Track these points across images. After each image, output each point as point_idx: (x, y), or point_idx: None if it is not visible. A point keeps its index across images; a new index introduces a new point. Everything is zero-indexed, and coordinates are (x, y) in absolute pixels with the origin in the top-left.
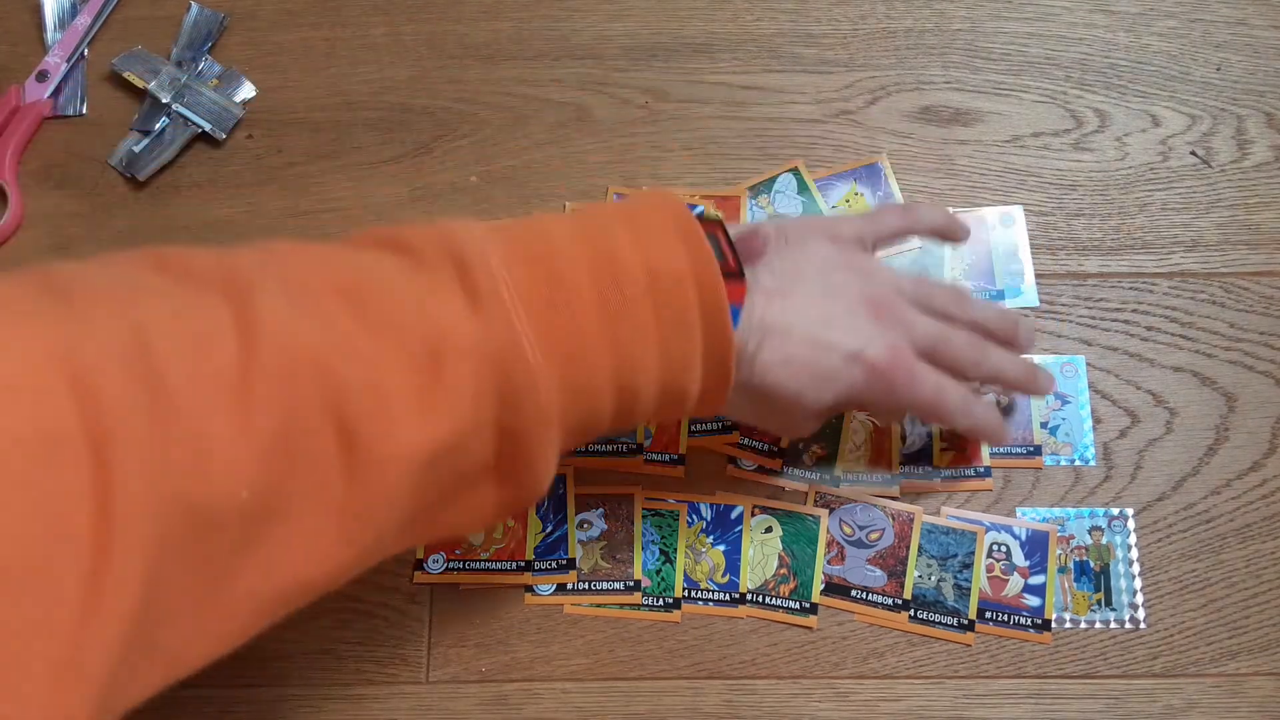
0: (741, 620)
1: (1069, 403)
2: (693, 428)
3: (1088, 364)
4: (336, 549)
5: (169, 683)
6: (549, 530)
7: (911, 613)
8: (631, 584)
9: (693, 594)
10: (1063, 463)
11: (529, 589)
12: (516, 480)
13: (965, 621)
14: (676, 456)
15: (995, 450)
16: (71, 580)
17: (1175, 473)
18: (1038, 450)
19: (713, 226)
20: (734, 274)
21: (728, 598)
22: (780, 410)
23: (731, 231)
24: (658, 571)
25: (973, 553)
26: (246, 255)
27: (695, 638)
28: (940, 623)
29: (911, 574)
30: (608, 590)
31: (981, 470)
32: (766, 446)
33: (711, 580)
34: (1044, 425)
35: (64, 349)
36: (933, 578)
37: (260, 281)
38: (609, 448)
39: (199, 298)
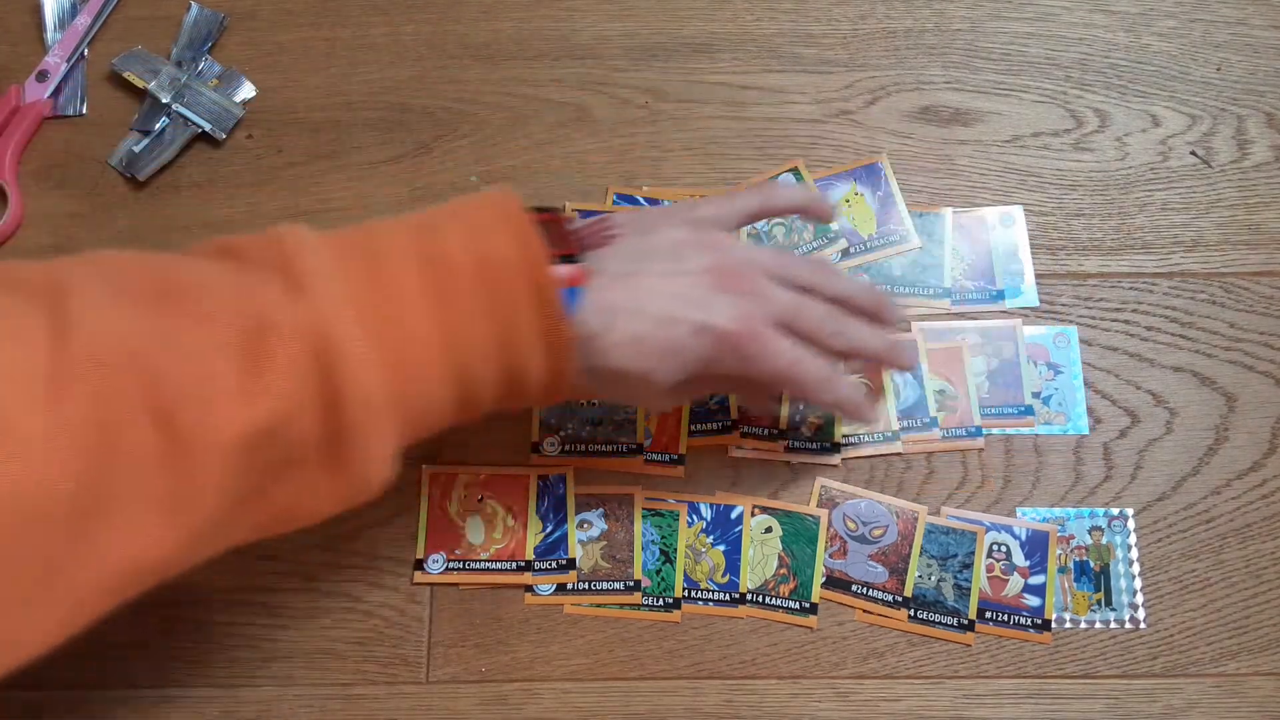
0: (741, 620)
1: (1061, 373)
2: (693, 428)
3: (1088, 364)
4: (166, 534)
5: (7, 670)
6: (549, 530)
7: (911, 612)
8: (631, 584)
9: (693, 594)
10: (1055, 432)
11: (529, 589)
12: (347, 468)
13: (965, 621)
14: (676, 456)
15: (987, 411)
16: None
17: (1175, 473)
18: (1029, 410)
19: (551, 216)
20: (571, 259)
21: (728, 598)
22: (636, 389)
23: (582, 221)
24: (658, 571)
25: (973, 553)
26: (70, 263)
27: (695, 638)
28: (940, 623)
29: (913, 572)
30: (608, 590)
31: (973, 430)
32: (766, 431)
33: (711, 580)
34: (1037, 395)
35: None
36: (933, 578)
37: (78, 285)
38: (609, 448)
39: (15, 303)
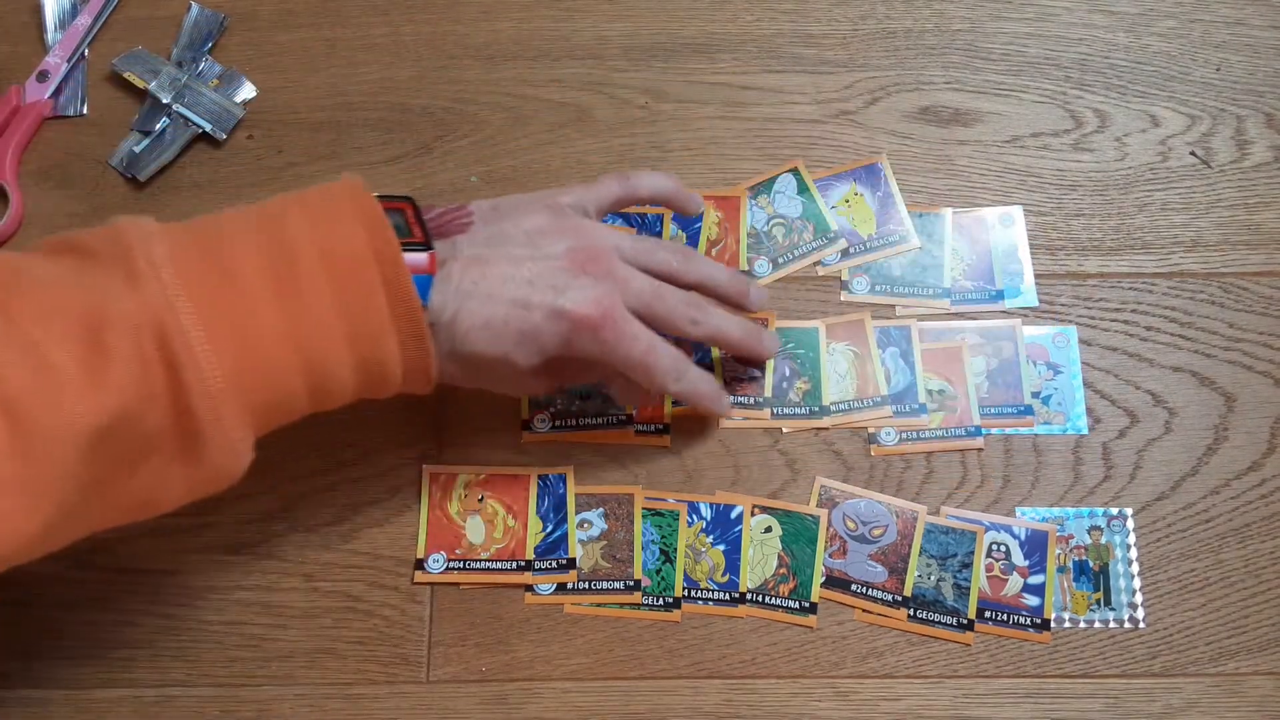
0: (741, 620)
1: (1061, 373)
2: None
3: (1087, 364)
4: (21, 520)
5: None
6: (549, 530)
7: (911, 612)
8: (631, 584)
9: (693, 593)
10: (1055, 432)
11: (529, 589)
12: (200, 456)
13: (965, 621)
14: (662, 426)
15: (986, 410)
16: None
17: (1174, 473)
18: (1029, 410)
19: (400, 204)
20: (422, 245)
21: (728, 597)
22: (498, 373)
23: (437, 209)
24: (658, 571)
25: (972, 552)
26: None
27: (695, 638)
28: (940, 622)
29: (913, 572)
30: (608, 590)
31: (972, 429)
32: (753, 400)
33: (711, 580)
34: (1036, 395)
35: None
36: (932, 577)
37: None
38: (599, 420)
39: None
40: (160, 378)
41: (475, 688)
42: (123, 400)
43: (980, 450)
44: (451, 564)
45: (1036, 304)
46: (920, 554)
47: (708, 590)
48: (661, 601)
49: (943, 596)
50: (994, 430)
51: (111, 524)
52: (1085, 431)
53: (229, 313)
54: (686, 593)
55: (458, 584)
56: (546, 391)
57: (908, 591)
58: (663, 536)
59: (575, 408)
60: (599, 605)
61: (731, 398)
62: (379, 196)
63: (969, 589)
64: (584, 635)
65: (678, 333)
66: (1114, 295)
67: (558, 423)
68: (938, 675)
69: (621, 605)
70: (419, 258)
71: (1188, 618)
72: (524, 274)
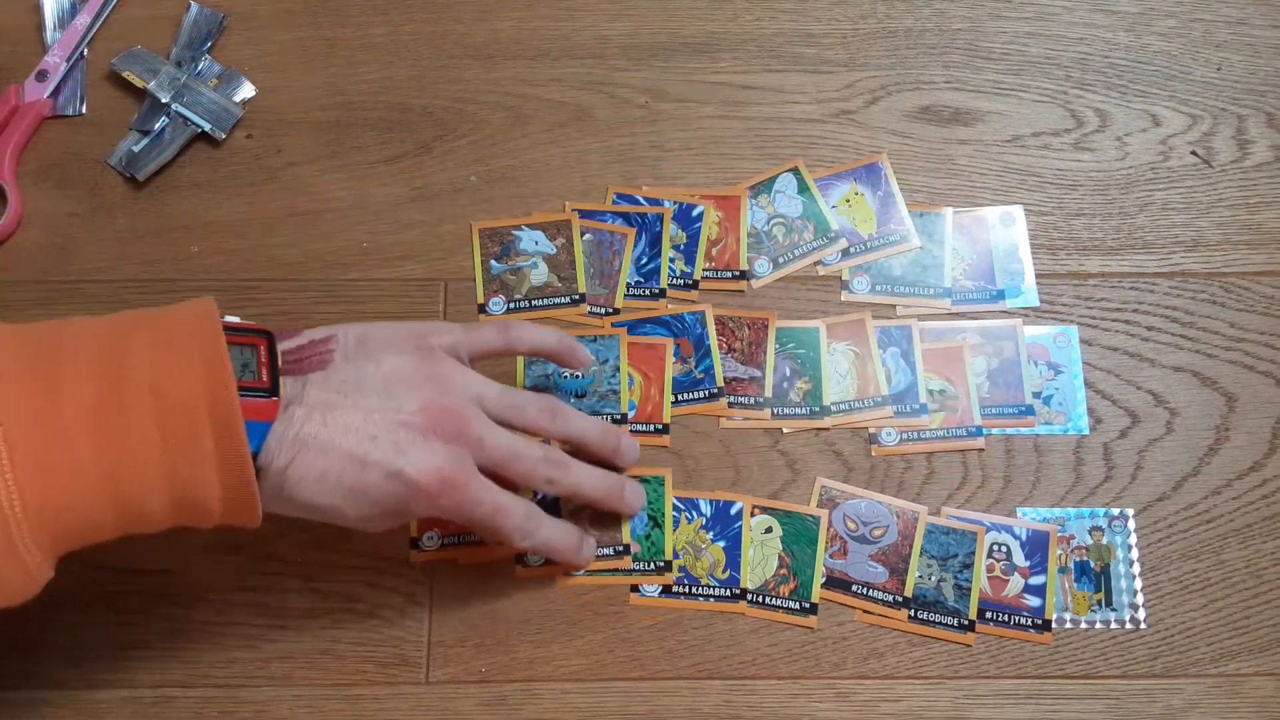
0: (741, 620)
1: (1062, 373)
2: (677, 397)
3: (1088, 364)
4: None
5: None
6: (539, 498)
7: (912, 613)
8: (621, 549)
9: (693, 590)
10: (1056, 432)
11: (519, 560)
12: None
13: (965, 622)
14: (662, 426)
15: (987, 410)
16: None
17: (1175, 473)
18: (1030, 410)
19: (254, 340)
20: (264, 391)
21: (729, 593)
22: (330, 520)
23: (298, 340)
24: (647, 536)
25: (973, 553)
26: None
27: (695, 638)
28: (940, 623)
29: (914, 572)
30: (599, 557)
31: (973, 430)
32: (752, 399)
33: (712, 576)
34: (1037, 395)
35: None
36: (933, 578)
37: None
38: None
39: None
40: None
41: (475, 688)
42: None
43: (981, 450)
44: (446, 540)
45: (1037, 304)
46: (921, 554)
47: (709, 586)
48: (653, 566)
49: (943, 597)
50: (995, 430)
51: None
52: (1086, 432)
53: (42, 440)
54: (688, 589)
55: (455, 560)
56: (379, 530)
57: (908, 592)
58: (649, 502)
59: (571, 404)
60: (592, 573)
61: (731, 397)
62: (233, 329)
63: (970, 589)
64: (584, 636)
65: (535, 490)
66: (1115, 295)
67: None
68: (938, 676)
69: (615, 571)
70: (258, 404)
71: (1189, 618)
72: (369, 428)
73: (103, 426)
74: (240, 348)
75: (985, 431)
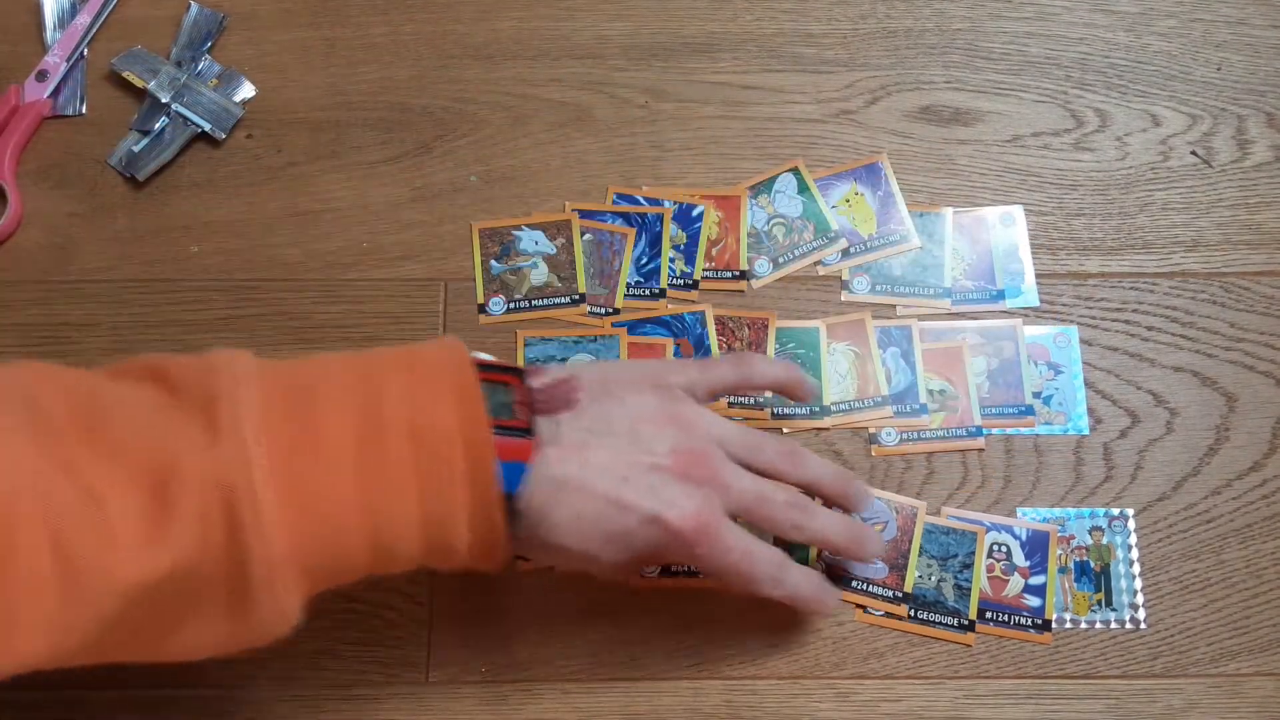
0: (742, 619)
1: (1062, 373)
2: None
3: (1088, 364)
4: (41, 648)
5: None
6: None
7: (912, 613)
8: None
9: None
10: (1056, 432)
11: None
12: (245, 617)
13: (965, 622)
14: None
15: (987, 410)
16: None
17: (1175, 473)
18: (1030, 410)
19: (508, 378)
20: (522, 430)
21: None
22: (577, 564)
23: (544, 378)
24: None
25: (973, 553)
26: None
27: (695, 638)
28: (940, 623)
29: (913, 568)
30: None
31: (973, 430)
32: (753, 400)
33: None
34: (1037, 395)
35: None
36: (933, 578)
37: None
38: None
39: None
40: (220, 539)
41: (475, 688)
42: (176, 559)
43: (981, 450)
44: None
45: (1037, 304)
46: (921, 554)
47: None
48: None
49: (943, 597)
50: (995, 430)
51: (129, 661)
52: (1086, 432)
53: (307, 480)
54: (688, 569)
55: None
56: (624, 577)
57: (908, 588)
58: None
59: None
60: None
61: (730, 398)
62: (485, 366)
63: (970, 590)
64: (584, 635)
65: (780, 536)
66: (1115, 295)
67: None
68: (938, 676)
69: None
70: (516, 443)
71: (1189, 618)
72: (622, 471)
73: (364, 466)
74: (494, 385)
75: (985, 431)
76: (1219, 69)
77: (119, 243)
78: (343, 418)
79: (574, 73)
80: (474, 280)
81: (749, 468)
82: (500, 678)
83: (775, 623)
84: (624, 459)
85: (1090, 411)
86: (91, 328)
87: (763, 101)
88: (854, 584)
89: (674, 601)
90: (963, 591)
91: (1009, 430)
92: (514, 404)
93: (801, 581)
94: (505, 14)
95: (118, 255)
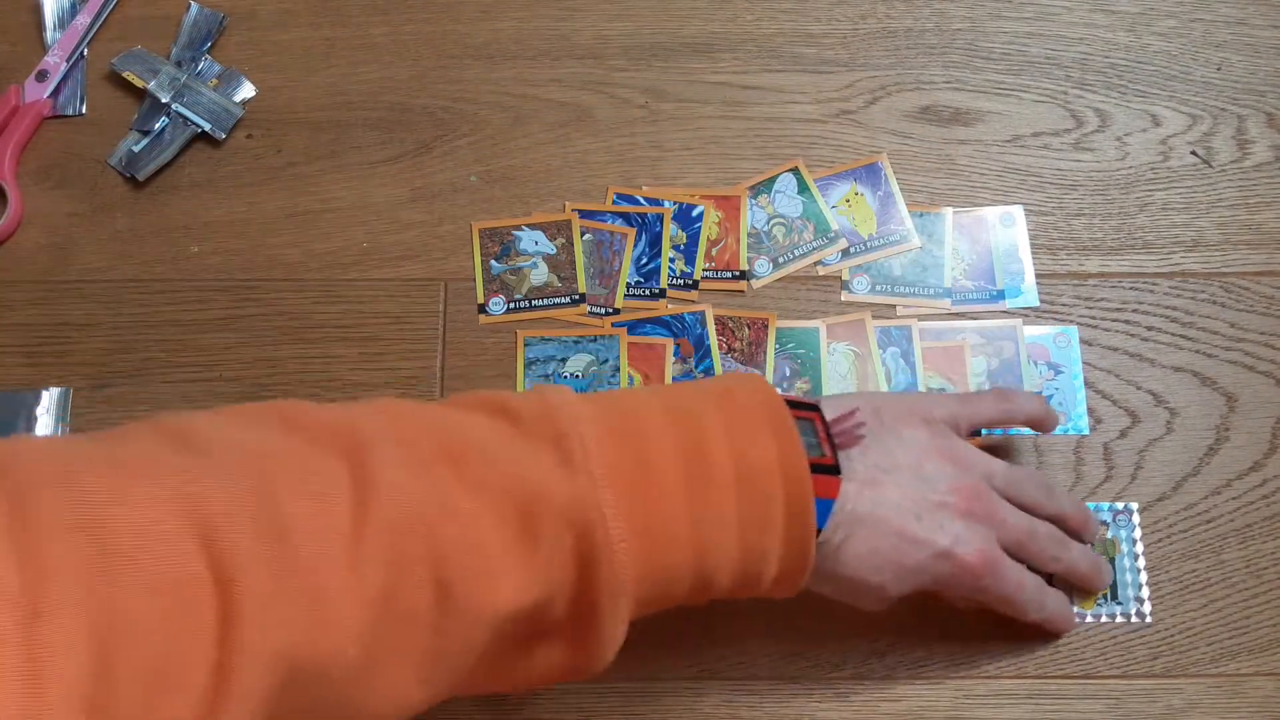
0: (742, 619)
1: (1062, 373)
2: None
3: (1088, 364)
4: (413, 691)
5: None
6: None
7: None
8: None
9: None
10: (1056, 432)
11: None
12: (585, 645)
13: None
14: None
15: None
16: None
17: (1175, 473)
18: None
19: (809, 413)
20: (830, 468)
21: None
22: (861, 595)
23: (829, 411)
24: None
25: None
26: (363, 414)
27: (696, 638)
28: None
29: None
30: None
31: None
32: None
33: None
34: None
35: (193, 500)
36: None
37: (375, 441)
38: None
39: (320, 457)
40: (572, 570)
41: None
42: (539, 590)
43: None
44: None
45: (1037, 304)
46: None
47: None
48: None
49: None
50: (995, 430)
51: (483, 693)
52: (1086, 431)
53: (647, 515)
54: None
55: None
56: (888, 607)
57: None
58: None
59: None
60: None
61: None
62: (791, 403)
63: None
64: None
65: (1039, 567)
66: (1115, 295)
67: None
68: (938, 676)
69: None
70: (827, 480)
71: (1189, 618)
72: (912, 508)
73: (693, 501)
74: (799, 422)
75: (985, 431)
76: (1219, 69)
77: (119, 243)
78: (669, 455)
79: (574, 73)
80: (474, 280)
81: (1010, 501)
82: None
83: (775, 623)
84: (912, 496)
85: (1090, 411)
86: (91, 328)
87: (763, 101)
88: None
89: None
90: None
91: (1009, 430)
92: (819, 440)
93: (1058, 605)
94: (505, 14)
95: (117, 255)
